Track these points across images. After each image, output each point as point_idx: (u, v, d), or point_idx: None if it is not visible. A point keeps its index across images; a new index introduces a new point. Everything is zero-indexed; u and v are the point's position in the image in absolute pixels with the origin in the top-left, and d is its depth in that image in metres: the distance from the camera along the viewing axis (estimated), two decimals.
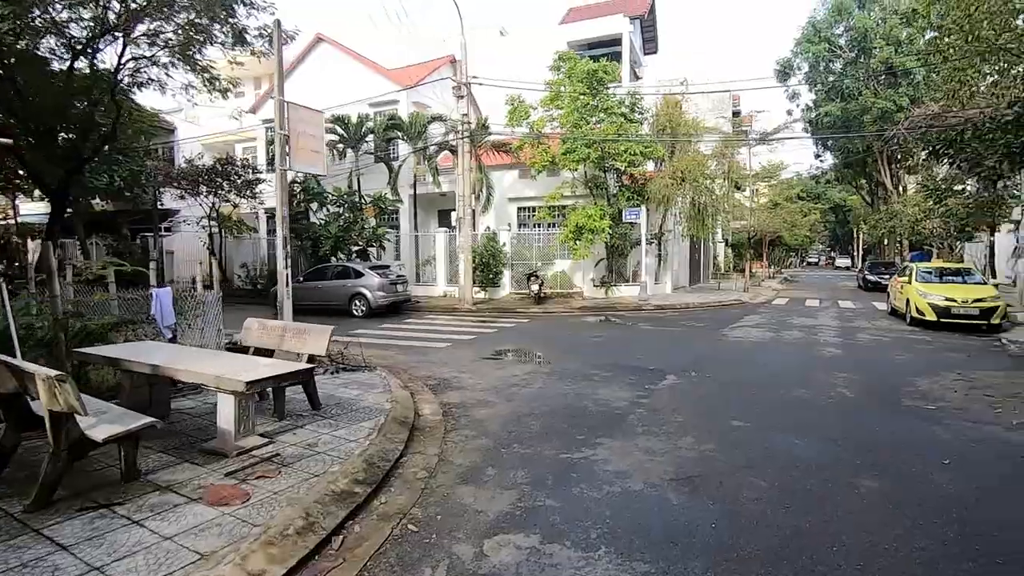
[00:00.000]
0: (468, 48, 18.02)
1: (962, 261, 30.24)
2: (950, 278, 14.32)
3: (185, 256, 23.97)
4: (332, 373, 7.18)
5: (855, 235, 70.42)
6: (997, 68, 8.69)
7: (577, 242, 18.07)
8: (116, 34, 13.90)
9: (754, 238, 24.64)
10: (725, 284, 26.21)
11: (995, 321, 12.45)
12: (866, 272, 27.86)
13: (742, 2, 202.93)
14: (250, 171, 21.55)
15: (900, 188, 33.28)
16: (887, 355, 9.68)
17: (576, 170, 18.54)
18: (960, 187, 17.52)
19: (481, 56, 25.20)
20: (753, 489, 4.05)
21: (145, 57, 14.39)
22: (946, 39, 9.17)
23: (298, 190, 19.13)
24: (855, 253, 73.91)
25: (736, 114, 37.56)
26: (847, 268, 62.55)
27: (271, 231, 23.38)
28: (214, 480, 3.71)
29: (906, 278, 14.52)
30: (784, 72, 36.79)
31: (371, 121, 21.83)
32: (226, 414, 4.14)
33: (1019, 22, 8.37)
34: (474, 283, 19.45)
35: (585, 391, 7.02)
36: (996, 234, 16.99)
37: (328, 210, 19.66)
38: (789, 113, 37.07)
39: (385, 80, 23.62)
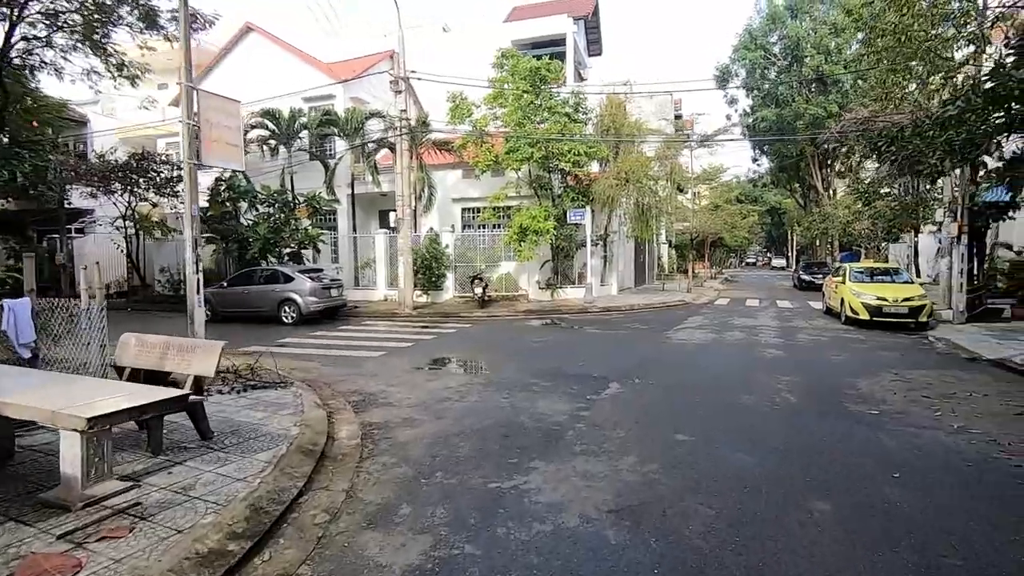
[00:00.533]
0: (410, 44, 17.29)
1: (887, 261, 31.90)
2: (880, 278, 14.75)
3: (96, 260, 21.95)
4: (238, 392, 6.35)
5: (789, 237, 73.77)
6: (928, 69, 8.83)
7: (521, 243, 17.62)
8: (3, 10, 12.38)
9: (696, 239, 25.02)
10: (669, 285, 26.49)
11: (922, 319, 12.84)
12: (800, 272, 28.88)
13: (686, 8, 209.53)
14: (170, 167, 19.92)
15: (831, 191, 34.78)
16: (826, 355, 9.68)
17: (520, 170, 18.12)
18: (886, 190, 18.23)
19: (423, 53, 24.41)
20: (700, 520, 3.62)
21: (38, 38, 12.88)
22: (879, 40, 9.26)
23: (223, 188, 17.77)
24: (789, 254, 77.49)
25: (678, 117, 38.22)
26: (782, 268, 65.28)
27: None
28: (40, 545, 2.92)
29: (840, 278, 14.86)
30: (723, 78, 37.82)
31: (305, 116, 20.66)
32: (71, 456, 3.35)
33: (945, 26, 8.56)
34: (416, 287, 18.68)
35: (523, 404, 6.49)
36: (919, 235, 17.78)
37: (257, 210, 18.39)
38: (728, 118, 38.22)
39: (321, 74, 22.44)
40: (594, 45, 30.48)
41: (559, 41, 26.07)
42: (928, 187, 17.68)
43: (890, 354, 9.85)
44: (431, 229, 20.32)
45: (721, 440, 5.19)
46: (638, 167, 18.05)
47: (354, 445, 5.08)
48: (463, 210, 22.55)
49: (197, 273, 9.27)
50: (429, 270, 18.59)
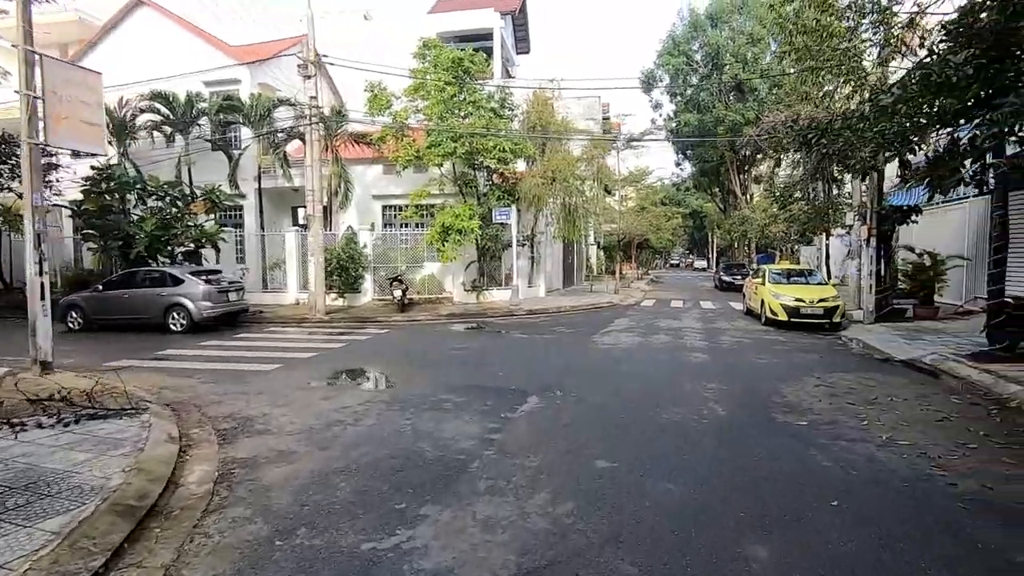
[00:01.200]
0: (329, 32, 16.07)
1: (799, 263, 33.55)
2: (796, 279, 15.07)
3: None
4: (65, 424, 5.07)
5: (710, 239, 77.19)
6: (845, 69, 8.83)
7: (444, 243, 16.72)
8: None
9: (623, 240, 25.12)
10: (598, 286, 26.43)
11: (836, 320, 13.13)
12: (721, 273, 29.76)
13: (614, 11, 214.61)
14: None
15: (748, 196, 36.26)
16: (749, 358, 9.48)
17: (442, 165, 17.21)
18: (799, 194, 18.86)
19: (344, 42, 22.97)
20: None
21: None
22: (799, 37, 9.17)
23: (100, 177, 15.63)
24: (710, 255, 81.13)
25: (606, 119, 38.45)
26: (704, 269, 68.06)
27: (77, 229, 19.19)
28: None
29: (759, 280, 15.04)
30: (648, 82, 38.57)
31: (205, 102, 18.73)
32: None
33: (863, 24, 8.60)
34: (330, 289, 17.33)
35: (427, 427, 5.64)
36: (829, 238, 18.51)
37: (145, 204, 16.36)
38: (653, 121, 39.06)
39: (224, 56, 20.49)
40: (522, 43, 30.05)
41: (486, 35, 25.38)
42: (837, 192, 18.41)
43: (810, 356, 9.81)
44: (349, 227, 19.00)
45: (646, 466, 4.58)
46: (565, 166, 17.63)
47: (202, 493, 4.04)
48: (384, 208, 21.32)
49: (41, 275, 7.76)
50: (345, 271, 17.30)
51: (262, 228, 19.13)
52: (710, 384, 7.54)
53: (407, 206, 19.22)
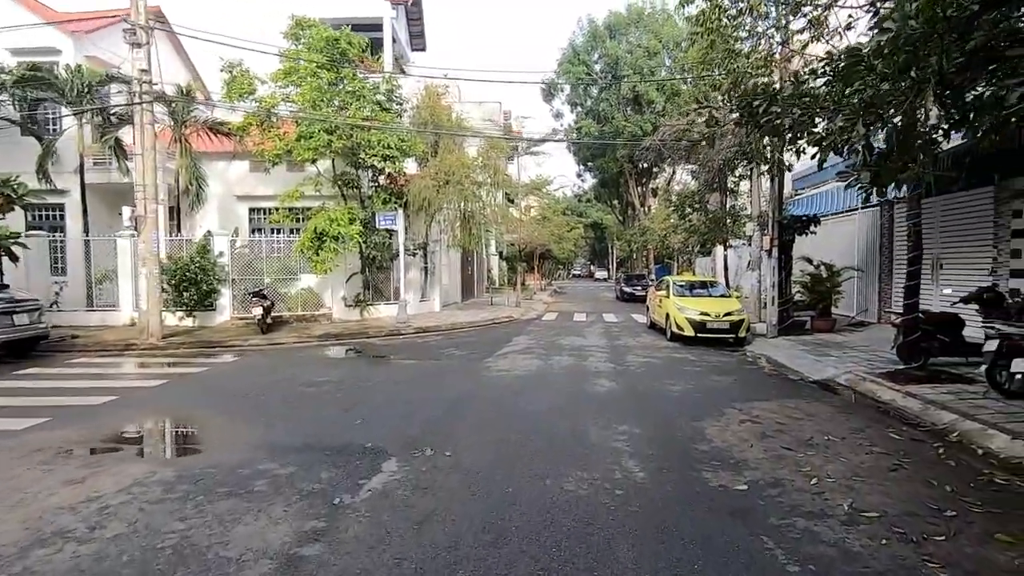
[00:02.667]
0: (190, 10, 13.11)
1: (693, 274, 34.34)
2: (699, 291, 14.44)
3: None
4: None
5: (610, 250, 79.32)
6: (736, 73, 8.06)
7: (319, 252, 14.34)
8: None
9: (524, 250, 23.96)
10: (498, 298, 24.98)
11: (742, 334, 12.50)
12: (622, 285, 29.56)
13: (517, 16, 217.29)
14: None
15: (646, 207, 36.79)
16: (662, 385, 8.25)
17: (314, 161, 14.85)
18: (698, 204, 18.61)
19: (215, 25, 19.77)
20: None
21: None
22: (707, 35, 8.24)
23: None
24: (611, 266, 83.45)
25: (507, 125, 37.40)
26: (605, 280, 69.52)
27: None
28: None
29: (664, 292, 14.23)
30: (549, 91, 38.19)
31: (7, 74, 14.94)
32: None
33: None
34: (175, 306, 14.33)
35: (206, 535, 3.59)
36: (728, 249, 18.42)
37: None
38: (555, 131, 38.61)
39: (41, 21, 16.69)
40: (417, 39, 28.18)
41: (376, 25, 23.22)
42: (732, 203, 18.31)
43: (723, 380, 8.79)
44: (208, 232, 15.96)
45: None
46: (460, 168, 15.95)
47: None
48: (251, 211, 18.44)
49: None
50: (195, 285, 14.34)
51: (86, 231, 15.53)
52: (621, 426, 6.08)
53: (279, 208, 16.58)
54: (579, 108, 36.32)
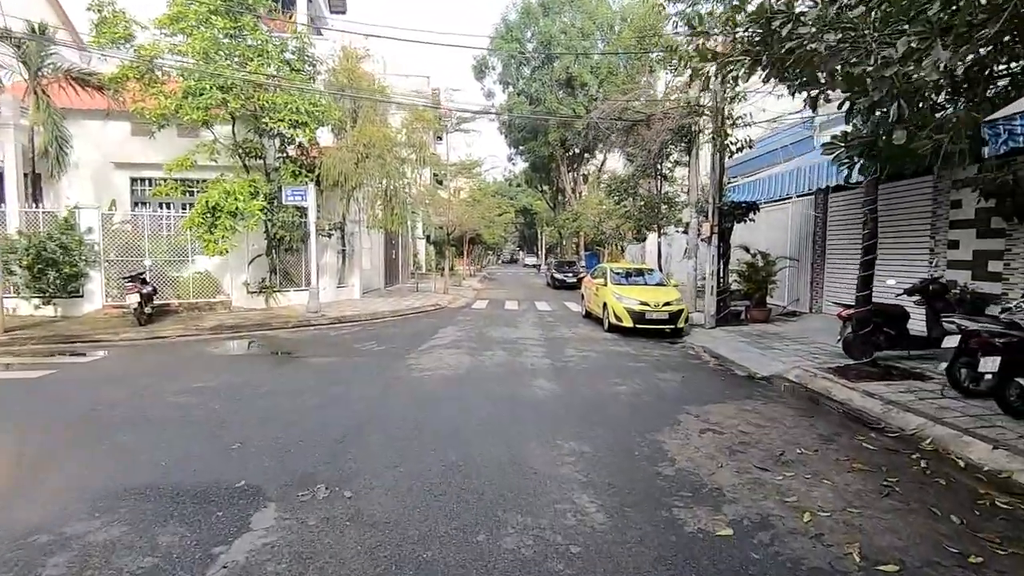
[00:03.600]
0: None
1: (630, 262, 34.32)
2: (635, 279, 13.81)
3: None
4: None
5: (540, 236, 79.23)
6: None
7: (213, 230, 12.33)
8: None
9: (453, 234, 22.61)
10: (425, 285, 23.52)
11: (681, 325, 11.94)
12: (554, 271, 28.88)
13: None
14: None
15: (577, 193, 36.35)
16: (607, 387, 7.34)
17: (206, 123, 12.75)
18: (633, 189, 18.07)
19: None
20: None
21: None
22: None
23: None
24: (539, 252, 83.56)
25: (436, 107, 35.67)
26: (535, 267, 69.48)
27: None
28: None
29: (601, 280, 13.47)
30: (480, 70, 36.67)
31: None
32: None
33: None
34: (31, 292, 11.91)
35: None
36: (662, 236, 18.02)
37: None
38: (487, 112, 37.11)
39: None
40: (337, 0, 25.77)
41: None
42: (668, 190, 17.88)
43: (670, 378, 8.03)
44: (76, 206, 13.38)
45: None
46: (381, 140, 14.33)
47: None
48: (134, 180, 15.89)
49: None
50: (54, 267, 11.91)
51: None
52: (568, 443, 5.06)
53: (167, 180, 14.25)
54: (511, 88, 35.10)
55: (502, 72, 34.87)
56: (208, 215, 12.23)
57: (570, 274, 28.05)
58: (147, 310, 11.45)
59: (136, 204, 15.68)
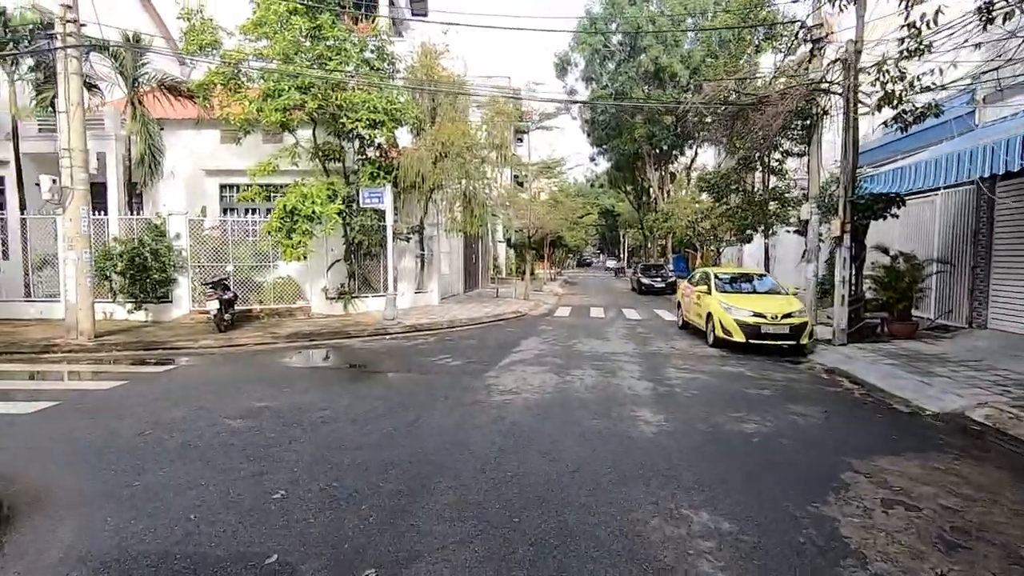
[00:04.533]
0: None
1: (733, 266, 31.79)
2: (746, 287, 12.02)
3: None
4: None
5: (622, 239, 76.67)
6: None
7: (290, 235, 12.03)
8: None
9: (533, 236, 21.57)
10: (505, 290, 22.64)
11: (803, 341, 10.11)
12: (640, 275, 27.08)
13: None
14: None
15: (665, 192, 34.15)
16: (730, 423, 5.88)
17: (285, 126, 12.46)
18: (736, 186, 16.09)
19: None
20: None
21: None
22: None
23: None
24: (621, 255, 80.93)
25: (520, 116, 35.06)
26: (617, 270, 67.25)
27: None
28: None
29: (704, 287, 11.82)
30: (562, 67, 35.46)
31: None
32: None
33: None
34: (125, 297, 12.15)
35: None
36: (771, 236, 15.89)
37: None
38: (573, 118, 35.86)
39: None
40: (419, 2, 25.59)
41: None
42: (777, 184, 15.77)
43: (809, 412, 6.41)
44: (160, 210, 13.69)
45: None
46: (460, 138, 13.52)
47: None
48: (223, 187, 16.13)
49: None
50: (144, 272, 12.10)
51: (23, 209, 13.29)
52: (697, 515, 3.74)
53: (251, 185, 14.27)
54: (595, 84, 33.54)
55: (585, 68, 33.42)
56: (286, 219, 11.94)
57: (658, 279, 26.15)
58: (226, 316, 11.28)
59: (225, 210, 15.92)
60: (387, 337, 11.63)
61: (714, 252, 23.60)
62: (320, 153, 13.91)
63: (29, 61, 12.90)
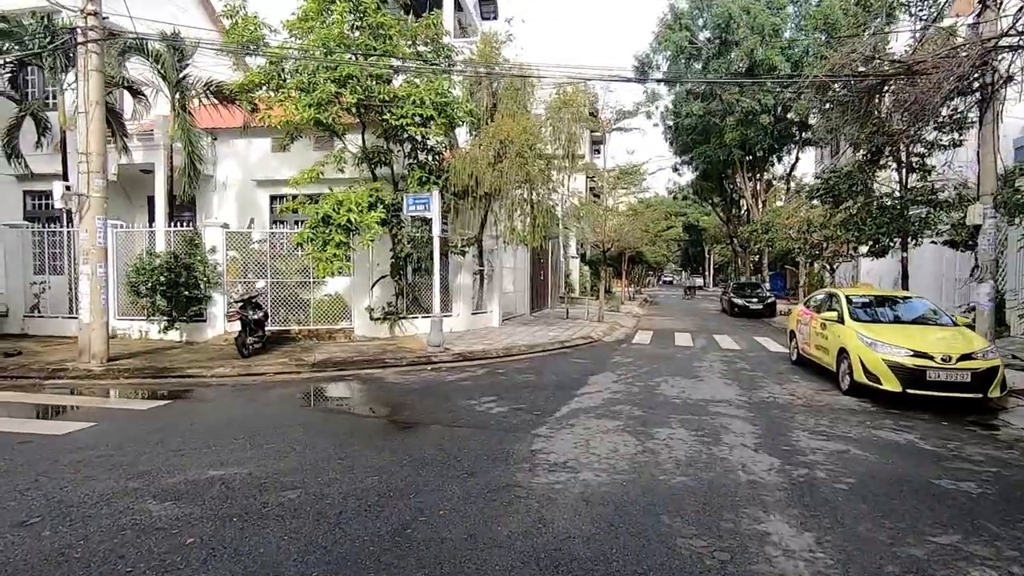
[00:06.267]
0: None
1: (820, 284, 27.69)
2: (888, 312, 9.11)
3: None
4: None
5: (707, 255, 71.77)
6: None
7: (325, 247, 10.58)
8: None
9: (609, 250, 19.23)
10: (577, 310, 20.36)
11: (994, 393, 7.14)
12: (732, 295, 23.84)
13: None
14: None
15: (759, 202, 30.54)
16: (940, 561, 3.37)
17: (314, 121, 11.04)
18: (861, 187, 12.95)
19: None
20: None
21: None
22: None
23: None
24: (706, 273, 75.88)
25: (593, 115, 32.93)
26: (700, 288, 62.77)
27: None
28: None
29: (832, 314, 9.03)
30: (642, 69, 33.00)
31: None
32: None
33: None
34: (157, 314, 11.21)
35: None
36: (915, 246, 12.53)
37: None
38: (648, 116, 33.21)
39: None
40: (488, 4, 24.31)
41: None
42: (921, 177, 12.50)
43: None
44: (197, 222, 12.81)
45: None
46: (520, 135, 11.61)
47: None
48: (273, 199, 15.21)
49: None
50: (175, 289, 11.08)
51: (69, 222, 12.86)
52: None
53: (294, 196, 13.12)
54: (679, 87, 30.82)
55: (668, 69, 30.80)
56: (320, 229, 10.52)
57: (754, 299, 22.82)
58: (250, 340, 9.91)
59: (275, 222, 14.96)
60: (429, 368, 9.79)
61: (825, 268, 20.04)
62: (368, 158, 12.53)
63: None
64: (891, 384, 7.31)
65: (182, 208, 14.64)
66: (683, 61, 29.38)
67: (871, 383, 7.54)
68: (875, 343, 7.70)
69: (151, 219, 15.17)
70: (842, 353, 8.32)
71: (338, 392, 8.13)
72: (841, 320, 8.67)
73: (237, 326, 9.82)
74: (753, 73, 26.65)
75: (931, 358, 7.20)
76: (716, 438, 5.82)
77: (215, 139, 15.18)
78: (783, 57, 24.82)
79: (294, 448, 5.31)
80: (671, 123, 33.19)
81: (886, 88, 10.01)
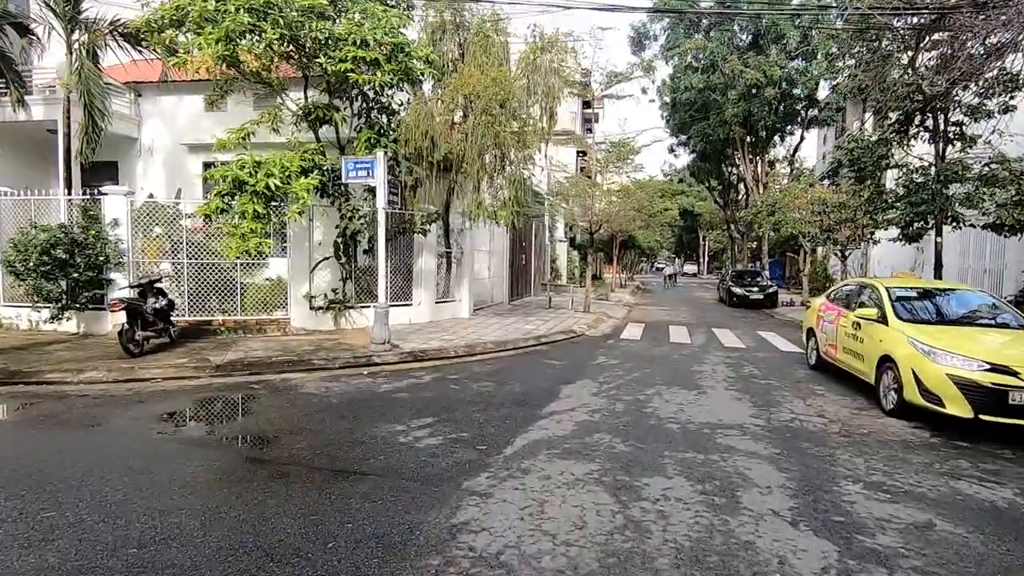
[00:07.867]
0: None
1: (826, 272, 25.87)
2: (942, 309, 7.26)
3: None
4: None
5: (701, 242, 70.06)
6: None
7: (241, 220, 8.57)
8: None
9: (597, 233, 17.30)
10: (561, 298, 18.45)
11: None
12: (731, 283, 22.03)
13: None
14: None
15: (761, 184, 28.64)
16: None
17: (222, 59, 8.85)
18: (887, 161, 11.07)
19: None
20: None
21: None
22: None
23: None
24: (701, 260, 74.26)
25: (585, 86, 30.62)
26: (694, 275, 61.12)
27: None
28: None
29: (870, 310, 7.15)
30: (638, 41, 30.85)
31: None
32: None
33: None
34: (40, 299, 9.21)
35: None
36: (951, 231, 10.70)
37: None
38: (644, 91, 31.07)
39: None
40: None
41: None
42: (962, 147, 10.61)
43: None
44: (96, 190, 10.67)
45: None
46: (488, 87, 9.55)
47: None
48: (207, 164, 13.07)
49: None
50: (64, 269, 9.03)
51: None
52: None
53: (234, 160, 10.99)
54: (677, 60, 28.66)
55: (667, 39, 28.60)
56: (232, 198, 8.50)
57: (754, 288, 21.03)
58: (142, 335, 7.94)
59: (209, 192, 12.88)
60: (364, 372, 7.85)
61: (835, 254, 18.22)
62: (308, 116, 10.46)
63: None
64: (958, 408, 5.47)
65: (100, 176, 12.55)
66: (682, 31, 27.20)
67: (930, 404, 5.70)
68: (934, 351, 5.85)
69: (70, 189, 13.05)
70: (885, 362, 6.47)
71: (225, 409, 6.19)
72: (883, 320, 6.81)
73: (121, 318, 7.82)
74: (758, 40, 24.58)
75: (1015, 374, 5.36)
76: (732, 497, 3.95)
77: (139, 95, 13.04)
78: (792, 24, 22.73)
79: (70, 523, 3.37)
80: (668, 99, 31.07)
81: (935, 33, 8.04)
